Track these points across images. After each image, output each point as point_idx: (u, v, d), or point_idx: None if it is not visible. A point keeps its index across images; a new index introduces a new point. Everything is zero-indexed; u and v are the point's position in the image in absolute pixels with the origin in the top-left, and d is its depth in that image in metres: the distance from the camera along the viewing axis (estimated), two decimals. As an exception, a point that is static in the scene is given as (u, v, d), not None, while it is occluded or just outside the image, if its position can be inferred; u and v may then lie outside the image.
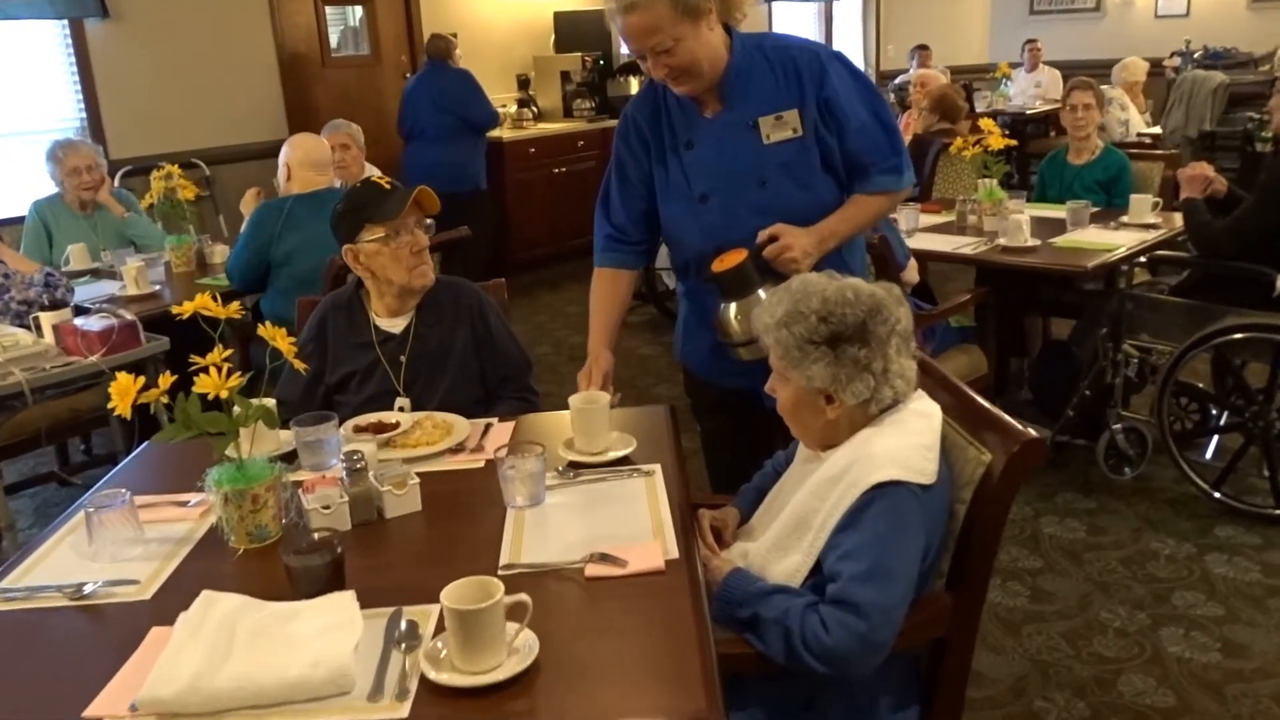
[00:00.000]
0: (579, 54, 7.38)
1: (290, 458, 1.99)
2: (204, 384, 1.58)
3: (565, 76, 7.43)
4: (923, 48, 9.40)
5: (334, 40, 6.65)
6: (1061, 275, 3.56)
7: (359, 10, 6.74)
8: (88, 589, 1.56)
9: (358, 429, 2.09)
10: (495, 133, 6.95)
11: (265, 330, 1.75)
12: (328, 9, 6.54)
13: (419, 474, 1.84)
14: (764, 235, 1.99)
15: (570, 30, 7.57)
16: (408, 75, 7.00)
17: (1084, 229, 3.83)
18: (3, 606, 1.55)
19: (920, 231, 3.98)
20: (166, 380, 1.64)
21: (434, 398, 2.33)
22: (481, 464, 1.97)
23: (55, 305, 3.32)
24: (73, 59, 5.40)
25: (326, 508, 1.70)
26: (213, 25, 5.87)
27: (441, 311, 2.41)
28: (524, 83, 7.55)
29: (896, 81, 9.15)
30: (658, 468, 1.89)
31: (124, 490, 1.72)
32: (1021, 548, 3.18)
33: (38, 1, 5.11)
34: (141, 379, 1.61)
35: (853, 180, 2.08)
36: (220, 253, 4.06)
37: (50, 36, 5.34)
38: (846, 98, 2.01)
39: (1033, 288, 3.96)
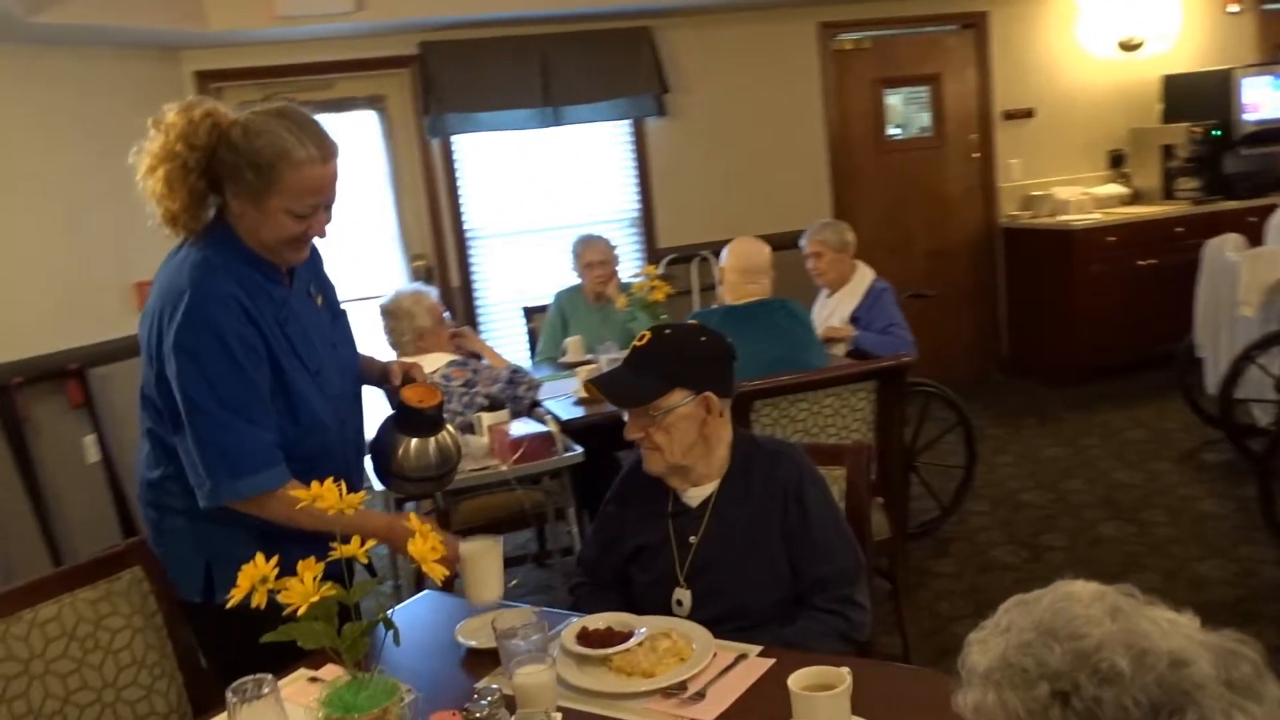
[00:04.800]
0: (1185, 124, 6.13)
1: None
2: (293, 592, 1.33)
3: (1167, 151, 6.23)
4: None
5: (892, 122, 6.32)
6: None
7: (923, 90, 6.33)
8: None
9: (583, 635, 1.70)
10: (1064, 218, 6.06)
11: (412, 521, 1.45)
12: (886, 90, 6.23)
13: (601, 716, 1.41)
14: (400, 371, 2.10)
15: (1184, 96, 6.34)
16: (975, 155, 6.42)
17: None
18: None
19: None
20: (294, 592, 1.38)
21: (721, 595, 1.84)
22: (684, 723, 1.46)
23: (514, 402, 3.46)
24: (634, 155, 5.76)
25: (431, 762, 1.35)
26: (764, 115, 5.86)
27: (751, 484, 1.91)
28: (1116, 159, 6.51)
29: None
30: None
31: (268, 676, 1.54)
32: None
33: (603, 106, 5.53)
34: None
35: None
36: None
37: (615, 137, 5.76)
38: None
39: None
